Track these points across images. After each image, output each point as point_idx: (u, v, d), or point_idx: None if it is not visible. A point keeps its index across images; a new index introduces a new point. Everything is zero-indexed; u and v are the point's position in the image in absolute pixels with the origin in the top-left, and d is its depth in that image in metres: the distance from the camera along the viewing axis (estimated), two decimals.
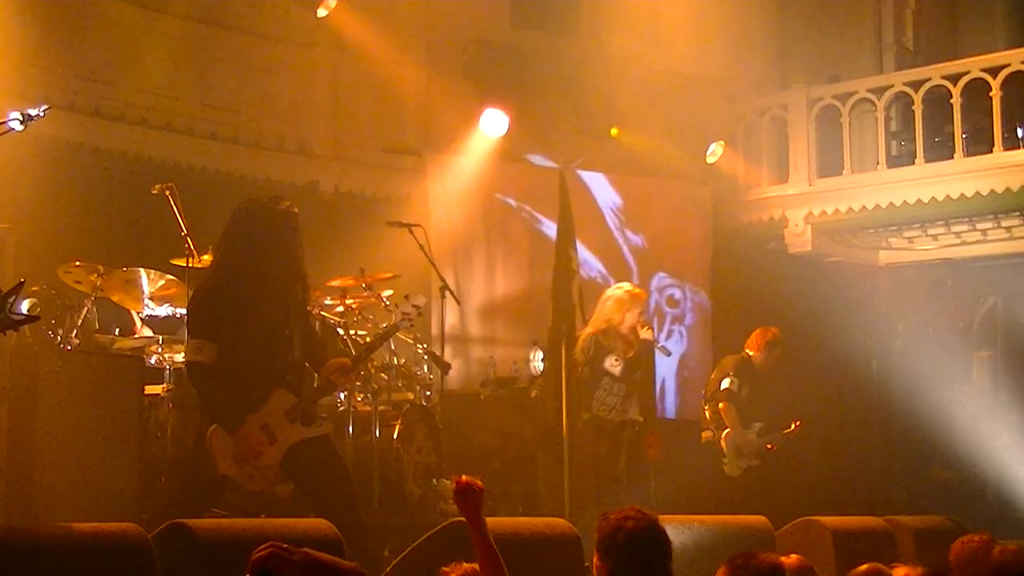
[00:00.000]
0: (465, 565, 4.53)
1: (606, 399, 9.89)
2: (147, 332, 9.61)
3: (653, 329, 10.15)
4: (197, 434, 7.22)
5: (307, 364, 7.47)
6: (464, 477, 4.52)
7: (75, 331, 8.91)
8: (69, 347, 8.70)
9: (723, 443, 10.63)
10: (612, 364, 9.85)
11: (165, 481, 8.40)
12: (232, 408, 6.97)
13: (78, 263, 9.27)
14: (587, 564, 6.15)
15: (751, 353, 10.91)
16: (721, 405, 10.68)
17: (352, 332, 9.99)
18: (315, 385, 7.63)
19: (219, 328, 7.02)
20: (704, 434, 11.03)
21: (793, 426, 10.86)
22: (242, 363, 7.01)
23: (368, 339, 9.65)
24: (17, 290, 5.37)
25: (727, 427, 10.61)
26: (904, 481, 14.64)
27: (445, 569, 4.49)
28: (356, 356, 8.51)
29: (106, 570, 4.77)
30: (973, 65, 14.28)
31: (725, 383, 10.71)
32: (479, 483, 4.54)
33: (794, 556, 5.30)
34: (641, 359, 10.12)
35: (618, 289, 10.28)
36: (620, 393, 9.91)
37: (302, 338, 7.35)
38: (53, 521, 5.89)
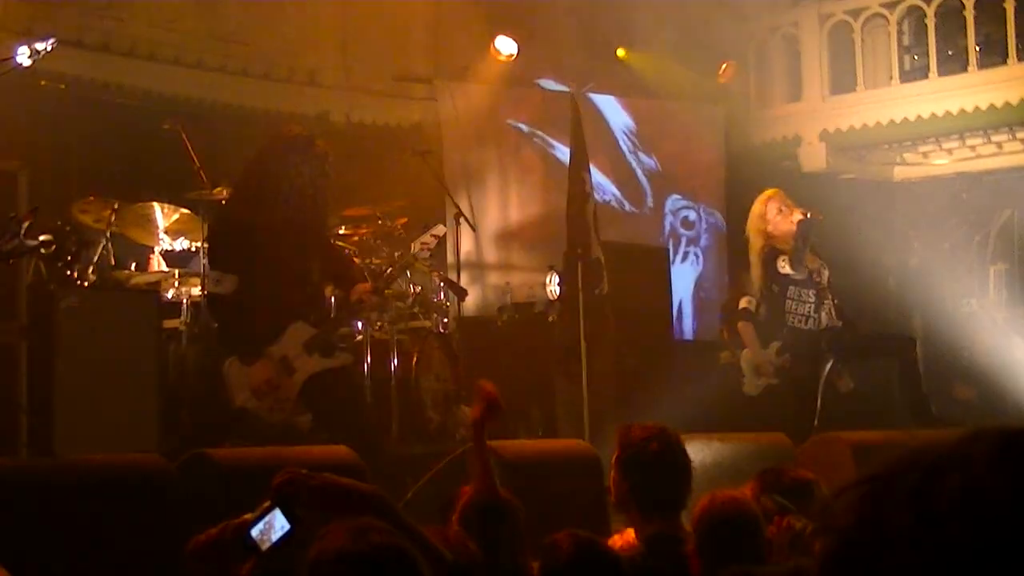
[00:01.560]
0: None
1: (797, 308, 9.54)
2: (163, 266, 9.62)
3: (804, 211, 9.52)
4: (214, 366, 7.26)
5: (331, 292, 7.50)
6: (493, 391, 4.51)
7: (91, 267, 8.92)
8: (86, 283, 8.71)
9: (742, 363, 10.62)
10: (782, 265, 9.38)
11: (184, 414, 8.44)
12: (250, 341, 7.00)
13: (92, 199, 9.28)
14: (607, 484, 6.19)
15: None
16: (740, 325, 10.65)
17: (368, 261, 9.99)
18: (332, 316, 7.65)
19: (238, 260, 7.04)
20: (723, 355, 11.02)
21: None
22: (261, 295, 7.04)
23: (385, 268, 9.67)
24: (31, 215, 5.38)
25: (745, 346, 10.60)
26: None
27: (465, 489, 4.52)
28: (388, 274, 8.52)
29: (130, 500, 4.81)
30: None
31: (743, 303, 10.69)
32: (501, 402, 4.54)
33: (803, 472, 5.32)
34: (804, 243, 9.42)
35: (751, 218, 9.94)
36: (809, 299, 9.51)
37: (323, 267, 7.36)
38: (76, 454, 5.92)
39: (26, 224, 5.30)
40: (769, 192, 9.76)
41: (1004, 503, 1.23)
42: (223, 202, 8.45)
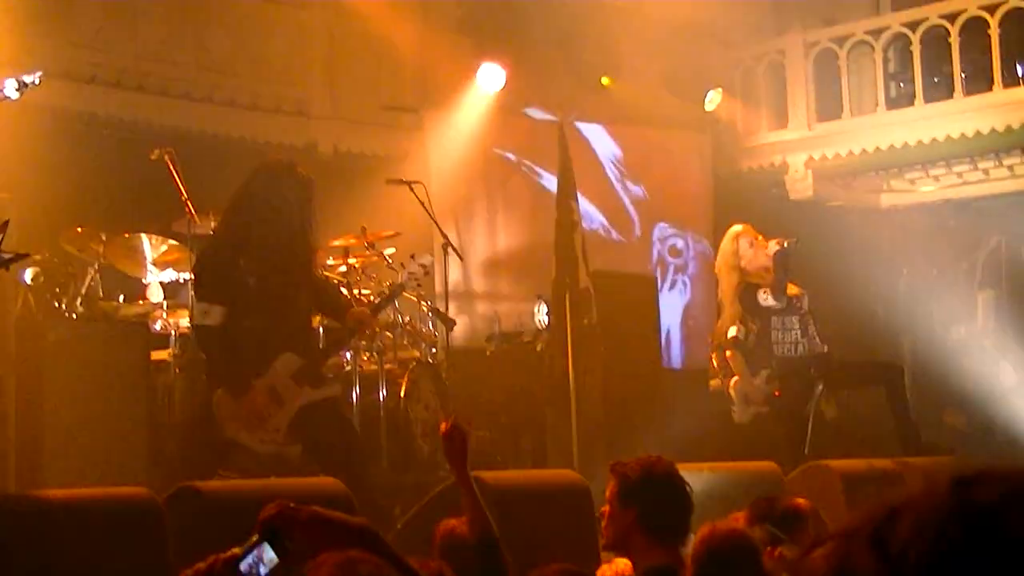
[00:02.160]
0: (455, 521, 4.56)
1: (783, 338, 9.59)
2: (161, 295, 9.59)
3: (779, 241, 9.54)
4: (203, 398, 7.24)
5: (319, 322, 7.49)
6: (449, 421, 4.53)
7: (79, 299, 8.91)
8: (74, 315, 8.71)
9: (731, 391, 10.62)
10: (764, 297, 9.47)
11: (173, 446, 8.42)
12: (238, 372, 6.98)
13: (80, 230, 9.27)
14: (597, 515, 6.17)
15: None
16: (728, 353, 10.65)
17: (356, 291, 9.98)
18: (321, 346, 7.63)
19: (225, 291, 7.03)
20: (712, 383, 11.02)
21: None
22: (248, 326, 7.02)
23: (373, 298, 9.66)
24: (3, 228, 5.37)
25: (734, 375, 10.59)
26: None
27: (445, 523, 4.52)
28: (375, 304, 8.53)
29: (118, 534, 4.79)
30: (971, 3, 14.21)
31: (732, 331, 10.69)
32: (465, 426, 4.55)
33: (800, 500, 5.31)
34: (784, 272, 9.49)
35: (721, 246, 9.98)
36: (793, 326, 9.54)
37: (311, 297, 7.35)
38: (64, 487, 5.90)
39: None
40: (737, 228, 9.81)
41: (955, 541, 1.26)
42: (211, 233, 8.44)
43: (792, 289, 9.50)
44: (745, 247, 9.54)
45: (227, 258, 7.17)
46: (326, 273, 9.87)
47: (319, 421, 7.14)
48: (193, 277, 7.87)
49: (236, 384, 6.94)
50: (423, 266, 8.49)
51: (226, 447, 7.09)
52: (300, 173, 7.33)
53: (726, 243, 9.74)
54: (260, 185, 7.30)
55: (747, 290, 9.45)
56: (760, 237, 9.60)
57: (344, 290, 9.93)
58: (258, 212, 7.21)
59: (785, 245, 9.41)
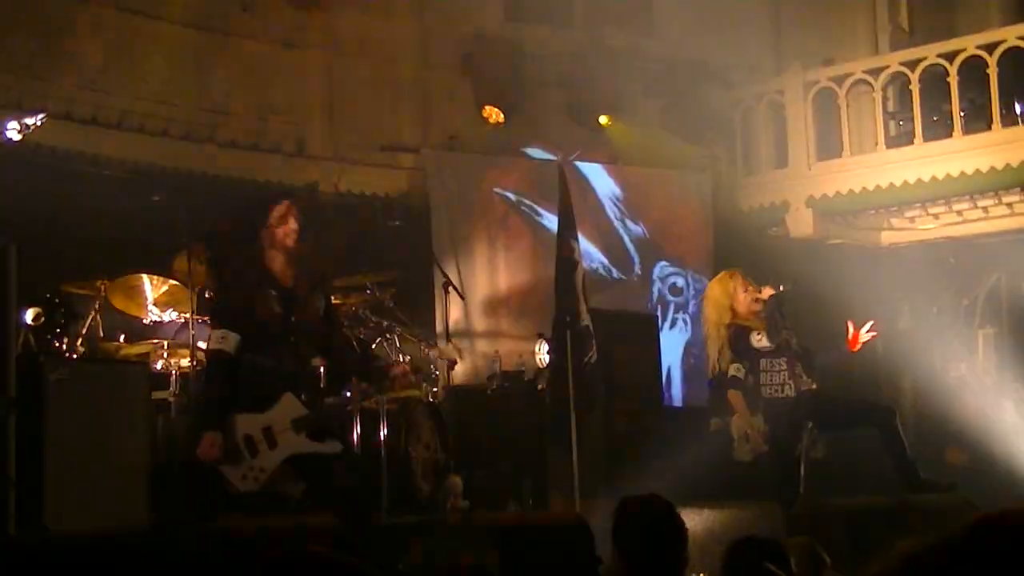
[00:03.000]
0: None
1: (771, 380, 9.55)
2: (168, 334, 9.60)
3: (771, 286, 9.62)
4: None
5: (319, 363, 7.47)
6: None
7: (80, 339, 8.93)
8: (75, 355, 8.71)
9: (732, 430, 10.60)
10: (758, 339, 9.46)
11: (174, 486, 8.40)
12: (219, 406, 6.93)
13: (81, 270, 9.30)
14: (598, 554, 6.17)
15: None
16: (729, 392, 10.63)
17: (357, 331, 10.00)
18: (322, 386, 7.61)
19: (235, 321, 7.01)
20: (713, 422, 10.99)
21: None
22: (256, 362, 6.99)
23: (374, 338, 9.64)
24: None
25: (735, 413, 10.58)
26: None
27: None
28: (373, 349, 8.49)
29: (120, 573, 4.79)
30: (969, 42, 14.27)
31: (732, 370, 10.68)
32: None
33: (801, 538, 5.31)
34: (780, 316, 9.54)
35: (710, 289, 10.03)
36: (781, 367, 9.50)
37: (310, 335, 7.31)
38: (65, 527, 5.90)
39: None
40: (728, 272, 9.83)
41: None
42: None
43: (785, 333, 9.50)
44: (740, 290, 9.57)
45: (234, 292, 7.15)
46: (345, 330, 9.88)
47: (315, 469, 7.09)
48: (213, 303, 7.80)
49: (209, 418, 6.90)
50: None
51: (227, 488, 7.05)
52: (293, 207, 7.33)
53: (718, 286, 9.77)
54: (257, 213, 7.30)
55: (737, 333, 9.46)
56: (749, 283, 9.63)
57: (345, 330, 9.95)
58: (244, 250, 7.20)
59: (781, 289, 9.44)
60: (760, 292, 9.49)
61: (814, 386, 9.53)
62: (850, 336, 9.75)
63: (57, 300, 9.10)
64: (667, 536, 4.58)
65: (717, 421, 10.82)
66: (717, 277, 9.96)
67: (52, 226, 10.55)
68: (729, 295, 9.58)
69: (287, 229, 7.12)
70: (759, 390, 9.52)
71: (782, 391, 9.44)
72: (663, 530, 4.58)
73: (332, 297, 10.15)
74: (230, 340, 6.92)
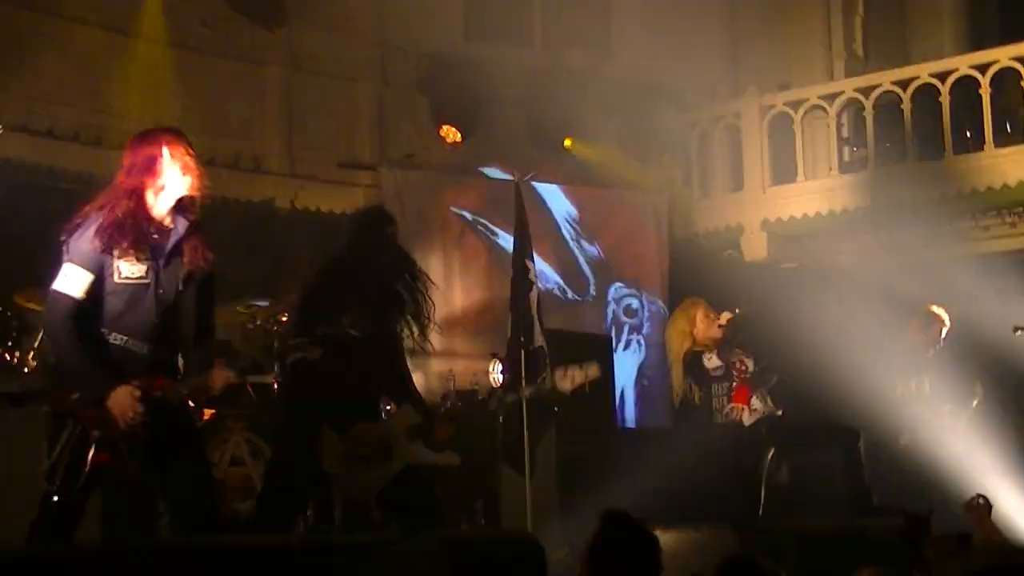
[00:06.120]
0: None
1: (721, 404, 9.41)
2: None
3: (731, 310, 9.65)
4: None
5: None
6: None
7: (32, 352, 8.87)
8: (26, 369, 8.67)
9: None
10: (708, 359, 9.36)
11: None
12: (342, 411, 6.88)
13: (37, 288, 9.23)
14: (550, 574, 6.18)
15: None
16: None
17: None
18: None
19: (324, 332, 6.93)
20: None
21: None
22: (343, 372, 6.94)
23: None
24: None
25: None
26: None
27: None
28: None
29: None
30: (922, 71, 14.42)
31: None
32: None
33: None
34: (732, 337, 9.48)
35: (673, 319, 10.02)
36: (723, 392, 9.42)
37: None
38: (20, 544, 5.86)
39: None
40: (693, 299, 9.82)
41: None
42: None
43: (734, 355, 9.51)
44: (701, 317, 9.57)
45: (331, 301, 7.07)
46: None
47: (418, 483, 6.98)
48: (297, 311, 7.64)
49: (342, 422, 6.81)
50: None
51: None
52: (387, 230, 7.30)
53: (682, 314, 9.75)
54: (364, 235, 7.27)
55: (693, 357, 9.47)
56: (712, 311, 9.64)
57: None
58: (362, 261, 7.15)
59: (736, 311, 9.48)
60: (719, 318, 9.51)
61: (779, 412, 9.54)
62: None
63: (9, 313, 9.05)
64: (646, 557, 4.57)
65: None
66: (681, 306, 9.94)
67: (7, 239, 10.50)
68: (690, 321, 9.59)
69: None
70: (712, 415, 9.51)
71: (737, 415, 9.43)
72: (644, 550, 4.57)
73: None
74: (313, 351, 6.77)
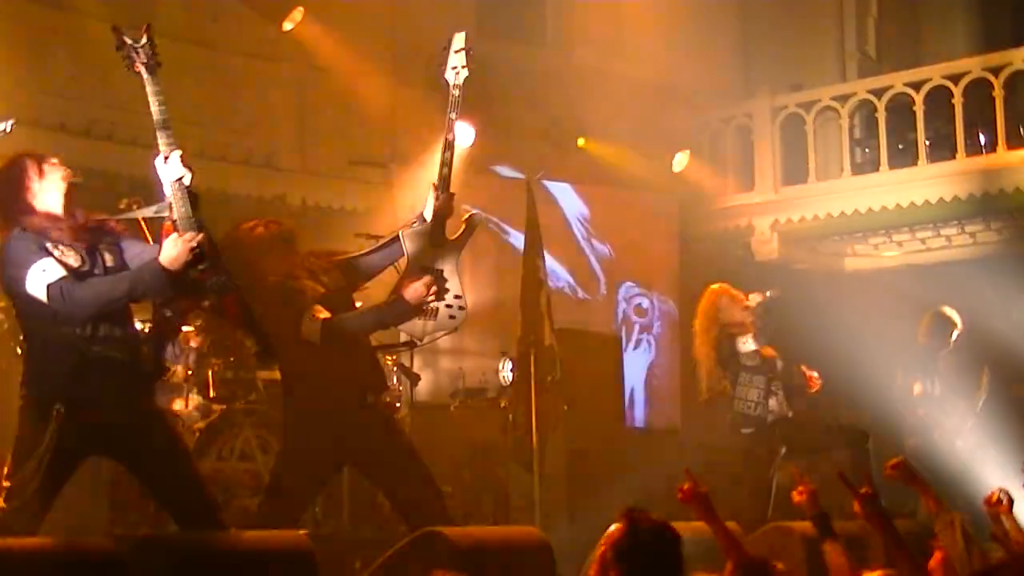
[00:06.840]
0: (442, 573, 4.53)
1: (746, 394, 9.30)
2: None
3: (761, 292, 9.40)
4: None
5: None
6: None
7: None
8: None
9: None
10: (743, 343, 9.28)
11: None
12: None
13: None
14: (559, 573, 6.18)
15: None
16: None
17: None
18: None
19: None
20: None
21: None
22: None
23: None
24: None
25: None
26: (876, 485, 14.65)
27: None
28: None
29: None
30: (935, 72, 14.40)
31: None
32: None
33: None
34: (769, 320, 9.41)
35: (699, 310, 9.92)
36: (759, 385, 9.32)
37: None
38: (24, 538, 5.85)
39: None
40: (716, 286, 9.74)
41: None
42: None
43: (768, 351, 9.47)
44: (725, 301, 9.46)
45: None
46: None
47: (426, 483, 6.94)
48: None
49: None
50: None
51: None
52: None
53: (706, 299, 9.65)
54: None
55: (726, 339, 9.35)
56: (736, 293, 9.52)
57: None
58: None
59: (768, 295, 9.39)
60: (747, 299, 9.40)
61: (791, 414, 9.50)
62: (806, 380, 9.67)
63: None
64: (672, 558, 4.55)
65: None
66: (707, 292, 9.74)
67: None
68: (715, 304, 9.44)
69: None
70: (733, 402, 9.39)
71: (754, 409, 9.36)
72: (670, 550, 4.55)
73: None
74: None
